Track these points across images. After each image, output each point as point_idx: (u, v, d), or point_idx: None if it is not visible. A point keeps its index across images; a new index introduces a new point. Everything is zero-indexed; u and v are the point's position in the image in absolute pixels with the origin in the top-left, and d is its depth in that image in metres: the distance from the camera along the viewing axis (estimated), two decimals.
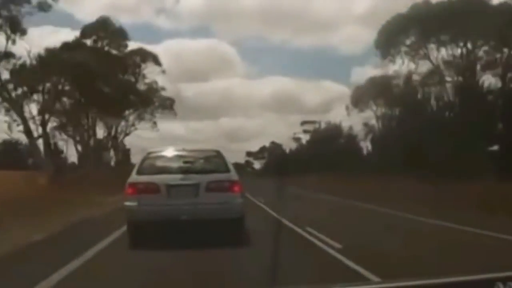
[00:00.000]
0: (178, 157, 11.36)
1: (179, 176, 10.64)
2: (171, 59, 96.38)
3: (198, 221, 10.52)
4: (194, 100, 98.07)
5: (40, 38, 77.77)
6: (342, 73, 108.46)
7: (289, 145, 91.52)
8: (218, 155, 11.42)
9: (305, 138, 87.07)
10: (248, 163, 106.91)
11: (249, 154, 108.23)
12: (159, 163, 11.24)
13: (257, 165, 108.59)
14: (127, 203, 10.65)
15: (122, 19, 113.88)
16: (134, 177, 10.86)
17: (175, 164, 11.18)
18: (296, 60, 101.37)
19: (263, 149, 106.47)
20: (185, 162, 11.17)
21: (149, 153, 11.54)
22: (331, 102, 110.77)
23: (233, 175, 10.93)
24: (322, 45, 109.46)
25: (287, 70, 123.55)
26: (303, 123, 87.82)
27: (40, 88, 40.28)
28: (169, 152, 11.67)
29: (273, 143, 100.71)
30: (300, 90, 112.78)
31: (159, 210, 10.36)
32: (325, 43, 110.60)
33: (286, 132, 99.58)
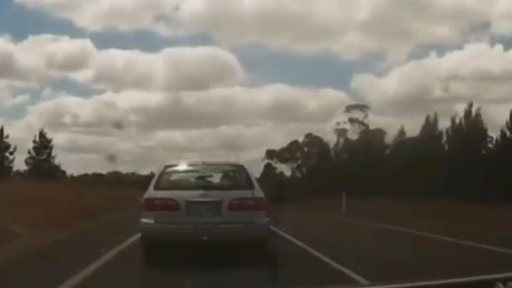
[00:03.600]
0: (198, 171, 10.92)
1: (200, 192, 10.16)
2: (171, 67, 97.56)
3: (219, 242, 10.05)
4: (193, 108, 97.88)
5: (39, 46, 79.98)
6: (343, 80, 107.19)
7: (331, 139, 67.96)
8: (241, 169, 10.94)
9: (352, 130, 64.55)
10: (270, 168, 77.52)
11: (270, 154, 78.04)
12: (178, 178, 10.90)
13: (285, 170, 79.12)
14: (143, 220, 10.15)
15: (121, 26, 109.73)
16: (151, 192, 10.40)
17: (195, 179, 10.78)
18: (296, 67, 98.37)
19: (294, 145, 75.65)
20: (206, 177, 10.77)
21: (167, 166, 11.06)
22: (332, 110, 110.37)
23: (258, 191, 10.38)
24: (323, 51, 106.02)
25: (287, 77, 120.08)
26: (349, 108, 65.64)
27: None
28: (188, 166, 11.28)
29: (308, 136, 73.03)
30: (299, 97, 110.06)
31: (178, 229, 9.90)
32: (325, 49, 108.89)
33: (284, 140, 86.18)
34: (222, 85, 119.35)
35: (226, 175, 11.08)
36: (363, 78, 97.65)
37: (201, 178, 10.69)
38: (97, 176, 71.42)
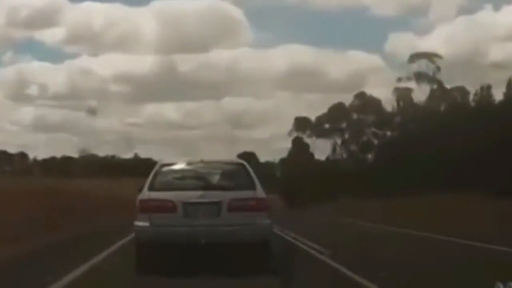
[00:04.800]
0: (196, 170, 10.56)
1: (198, 193, 9.86)
2: (162, 24, 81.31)
3: (219, 245, 9.76)
4: (190, 75, 79.80)
5: None
6: (376, 40, 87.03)
7: (390, 102, 50.65)
8: (243, 168, 10.53)
9: (420, 90, 46.13)
10: (300, 145, 55.25)
11: (302, 124, 54.93)
12: (175, 178, 10.45)
13: (323, 147, 56.67)
14: (138, 223, 9.83)
15: None
16: (146, 193, 10.01)
17: (193, 179, 10.42)
18: (317, 23, 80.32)
19: (338, 110, 52.77)
20: (204, 177, 10.45)
21: (162, 165, 10.66)
22: (362, 77, 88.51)
23: (260, 192, 10.05)
24: (350, 4, 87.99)
25: (306, 36, 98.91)
26: (414, 57, 47.65)
27: None
28: (185, 164, 10.84)
29: (360, 97, 52.71)
30: (321, 61, 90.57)
31: (175, 232, 9.63)
32: (353, 2, 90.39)
33: (304, 114, 62.79)
34: (226, 46, 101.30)
35: (226, 174, 10.67)
36: (400, 38, 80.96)
37: (199, 177, 10.39)
38: (66, 160, 61.18)
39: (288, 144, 60.00)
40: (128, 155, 75.73)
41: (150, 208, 9.80)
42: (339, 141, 55.64)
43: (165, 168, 10.60)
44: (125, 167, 54.98)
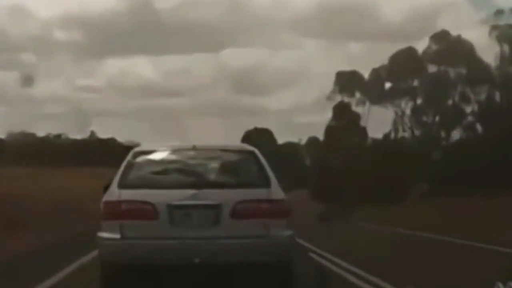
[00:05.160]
0: (186, 161, 8.85)
1: (189, 192, 8.23)
2: None
3: (218, 266, 8.23)
4: (174, 16, 64.97)
5: None
6: None
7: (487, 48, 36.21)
8: (251, 157, 8.78)
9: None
10: (346, 111, 41.39)
11: (348, 82, 40.79)
12: (155, 171, 8.70)
13: (384, 118, 42.50)
14: (103, 235, 8.22)
15: None
16: (114, 192, 8.34)
17: (181, 173, 8.70)
18: None
19: (406, 57, 38.02)
20: (198, 170, 8.72)
21: (137, 153, 8.90)
22: (429, 16, 61.64)
23: (277, 190, 8.36)
24: None
25: None
26: None
27: None
28: (170, 152, 9.11)
29: (438, 38, 38.34)
30: None
31: (156, 247, 8.08)
32: None
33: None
34: None
35: (228, 167, 8.86)
36: None
37: (190, 171, 8.67)
38: None
39: (323, 116, 43.83)
40: (80, 134, 58.97)
41: (121, 213, 8.18)
42: (407, 109, 37.48)
43: (142, 157, 8.84)
44: (77, 151, 44.51)
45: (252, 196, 8.25)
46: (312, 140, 50.59)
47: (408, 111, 39.68)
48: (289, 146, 55.12)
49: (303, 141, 55.32)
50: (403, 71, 37.55)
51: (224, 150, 9.10)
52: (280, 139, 55.25)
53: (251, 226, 8.13)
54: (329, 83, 40.69)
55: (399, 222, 24.47)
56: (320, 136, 45.38)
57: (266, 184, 8.34)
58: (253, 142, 10.95)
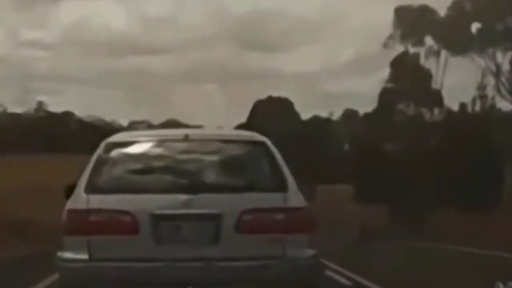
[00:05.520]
0: (175, 155, 7.52)
1: (179, 197, 6.96)
2: None
3: None
4: None
5: None
6: None
7: None
8: (262, 151, 7.41)
9: None
10: (407, 69, 30.98)
11: (413, 22, 30.21)
12: (134, 169, 7.37)
13: (469, 71, 31.60)
14: (65, 255, 6.95)
15: None
16: (80, 198, 7.06)
17: (169, 172, 7.37)
18: None
19: None
20: (192, 168, 7.38)
21: (110, 145, 7.50)
22: None
23: (295, 195, 7.04)
24: None
25: None
26: None
27: None
28: (154, 143, 7.72)
29: None
30: None
31: (136, 273, 6.89)
32: None
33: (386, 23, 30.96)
34: None
35: (231, 163, 7.50)
36: None
37: (180, 169, 7.33)
38: None
39: (363, 80, 38.48)
40: (23, 106, 50.08)
41: (90, 226, 6.94)
42: (504, 63, 26.10)
43: (117, 151, 7.43)
44: (17, 130, 35.95)
45: (262, 203, 6.95)
46: (349, 114, 42.08)
47: (506, 66, 28.25)
48: (318, 122, 43.88)
49: (336, 115, 45.11)
50: (500, 5, 26.18)
51: (226, 141, 7.69)
52: (304, 114, 44.19)
53: (261, 243, 6.87)
54: (371, 35, 32.03)
55: (497, 239, 17.29)
56: (360, 108, 36.31)
57: (282, 187, 7.02)
58: (266, 117, 8.95)
